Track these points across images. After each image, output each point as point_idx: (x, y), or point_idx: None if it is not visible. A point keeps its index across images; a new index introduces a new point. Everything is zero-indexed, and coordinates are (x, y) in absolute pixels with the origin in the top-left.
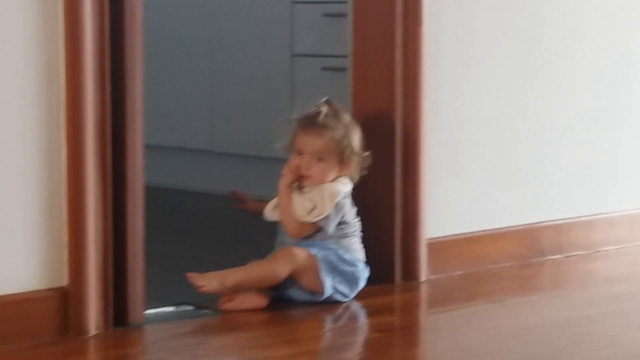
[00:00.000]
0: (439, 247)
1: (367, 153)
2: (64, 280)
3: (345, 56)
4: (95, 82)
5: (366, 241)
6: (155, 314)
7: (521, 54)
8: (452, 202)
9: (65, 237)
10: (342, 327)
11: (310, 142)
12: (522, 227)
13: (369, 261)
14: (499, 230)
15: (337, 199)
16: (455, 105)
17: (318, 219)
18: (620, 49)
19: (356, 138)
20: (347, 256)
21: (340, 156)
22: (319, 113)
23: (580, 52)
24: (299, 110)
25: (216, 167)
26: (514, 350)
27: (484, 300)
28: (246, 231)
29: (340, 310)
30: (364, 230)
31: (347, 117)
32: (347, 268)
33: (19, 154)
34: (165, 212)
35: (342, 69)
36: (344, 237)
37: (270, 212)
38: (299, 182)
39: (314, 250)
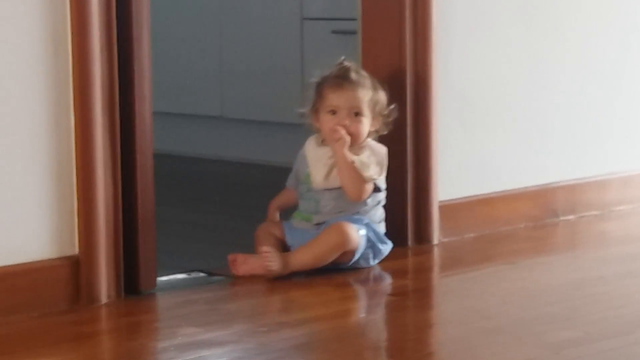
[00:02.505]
0: (451, 209)
1: (393, 106)
2: (74, 249)
3: (355, 19)
4: (102, 49)
5: None
6: (167, 281)
7: (532, 12)
8: (464, 164)
9: (75, 205)
10: (355, 291)
11: (346, 98)
12: (535, 188)
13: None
14: (511, 192)
15: (385, 161)
16: (466, 67)
17: (383, 174)
18: (633, 6)
19: (383, 92)
20: (382, 234)
21: (372, 110)
22: (348, 69)
23: (592, 10)
24: (318, 73)
25: (228, 133)
26: (527, 311)
27: (496, 262)
28: (258, 197)
29: (352, 274)
30: None
31: (368, 75)
32: (381, 246)
33: (27, 124)
34: (177, 179)
35: (352, 32)
36: (377, 205)
37: (323, 181)
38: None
39: (362, 231)
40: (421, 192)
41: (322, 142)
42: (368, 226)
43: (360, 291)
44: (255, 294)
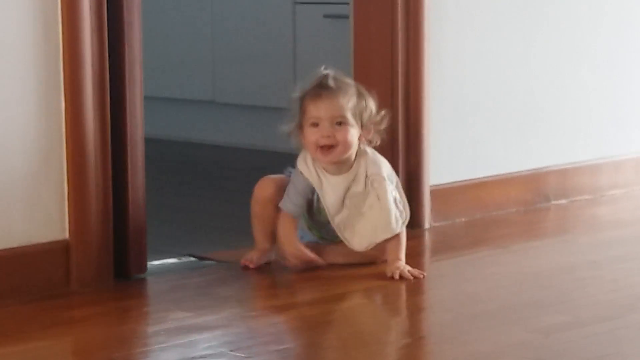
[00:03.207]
0: (443, 194)
1: (383, 112)
2: (65, 233)
3: (347, 3)
4: (93, 32)
5: None
6: (158, 266)
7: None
8: (456, 149)
9: (65, 190)
10: (346, 275)
11: (326, 107)
12: (527, 172)
13: None
14: (503, 176)
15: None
16: (458, 51)
17: (407, 218)
18: None
19: (371, 99)
20: None
21: (359, 118)
22: (326, 77)
23: None
24: (299, 87)
25: (220, 118)
26: (518, 295)
27: (488, 246)
28: (250, 182)
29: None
30: None
31: (352, 82)
32: None
33: (18, 107)
34: (169, 164)
35: (344, 16)
36: None
37: (341, 216)
38: (325, 157)
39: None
40: (413, 177)
41: (314, 163)
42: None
43: (352, 275)
44: (246, 279)
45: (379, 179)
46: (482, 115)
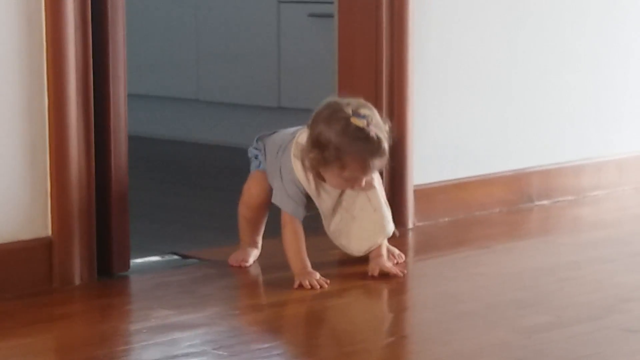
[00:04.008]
0: (426, 193)
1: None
2: (47, 231)
3: (331, 2)
4: (77, 30)
5: None
6: (141, 264)
7: None
8: (439, 149)
9: (48, 187)
10: (330, 274)
11: (372, 170)
12: (510, 172)
13: None
14: (486, 176)
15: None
16: (442, 51)
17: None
18: None
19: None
20: None
21: None
22: (380, 141)
23: None
24: (339, 123)
25: (204, 116)
26: (501, 296)
27: (471, 246)
28: (233, 180)
29: (327, 257)
30: None
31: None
32: None
33: (1, 105)
34: (153, 162)
35: (329, 15)
36: None
37: (336, 225)
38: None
39: None
40: (396, 176)
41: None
42: None
43: (334, 274)
44: (228, 277)
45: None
46: (465, 115)
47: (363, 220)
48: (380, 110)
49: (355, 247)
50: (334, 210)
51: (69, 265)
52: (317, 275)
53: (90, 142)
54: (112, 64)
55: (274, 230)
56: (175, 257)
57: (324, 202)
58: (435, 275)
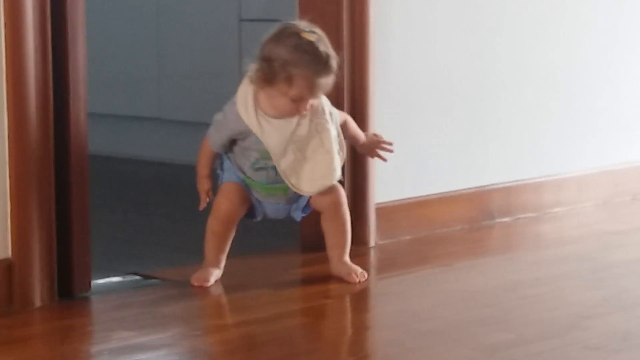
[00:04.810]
0: (388, 211)
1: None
2: (7, 252)
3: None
4: (37, 49)
5: None
6: (102, 285)
7: (470, 14)
8: (401, 166)
9: (8, 207)
10: (291, 293)
11: (319, 89)
12: (471, 189)
13: (317, 226)
14: (448, 194)
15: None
16: (403, 68)
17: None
18: (568, 7)
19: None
20: None
21: None
22: (329, 57)
23: (528, 11)
24: (286, 41)
25: (165, 135)
26: (462, 313)
27: (433, 264)
28: (195, 199)
29: (289, 276)
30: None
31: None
32: None
33: None
34: (114, 181)
35: None
36: None
37: (288, 163)
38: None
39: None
40: (358, 194)
41: (255, 107)
42: None
43: (296, 294)
44: (190, 297)
45: (322, 122)
46: (426, 132)
47: (315, 162)
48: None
49: (306, 187)
50: (285, 149)
51: (29, 287)
52: (208, 185)
53: (50, 162)
54: (72, 83)
55: (236, 249)
56: (137, 277)
57: (270, 137)
58: (397, 294)
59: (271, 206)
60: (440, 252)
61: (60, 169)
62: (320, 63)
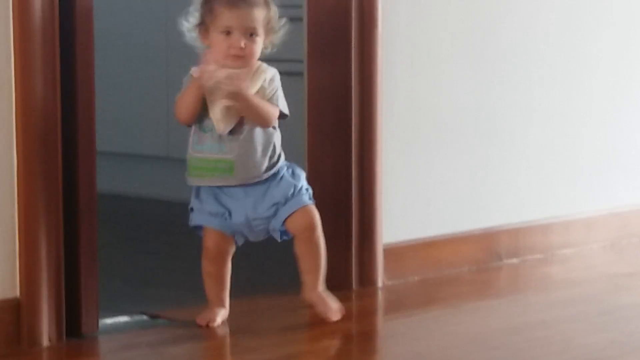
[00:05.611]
0: (396, 252)
1: (284, 21)
2: (15, 291)
3: (301, 61)
4: (46, 89)
5: None
6: (110, 324)
7: (475, 55)
8: (408, 207)
9: (16, 246)
10: (297, 334)
11: (242, 18)
12: (478, 231)
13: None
14: (455, 235)
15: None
16: (410, 109)
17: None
18: (575, 49)
19: (274, 7)
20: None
21: (265, 28)
22: None
23: (535, 53)
24: None
25: (174, 174)
26: (470, 355)
27: (441, 305)
28: (201, 239)
29: (296, 317)
30: None
31: None
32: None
33: None
34: (122, 220)
35: (299, 74)
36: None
37: (223, 124)
38: (235, 64)
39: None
40: (366, 235)
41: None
42: (292, 165)
43: (304, 335)
44: (197, 338)
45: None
46: (434, 173)
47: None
48: (349, 167)
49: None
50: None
51: (37, 326)
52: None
53: (58, 201)
54: (81, 122)
55: (243, 289)
56: (144, 317)
57: (215, 109)
58: (405, 335)
59: (243, 221)
60: (448, 293)
61: (68, 208)
62: None
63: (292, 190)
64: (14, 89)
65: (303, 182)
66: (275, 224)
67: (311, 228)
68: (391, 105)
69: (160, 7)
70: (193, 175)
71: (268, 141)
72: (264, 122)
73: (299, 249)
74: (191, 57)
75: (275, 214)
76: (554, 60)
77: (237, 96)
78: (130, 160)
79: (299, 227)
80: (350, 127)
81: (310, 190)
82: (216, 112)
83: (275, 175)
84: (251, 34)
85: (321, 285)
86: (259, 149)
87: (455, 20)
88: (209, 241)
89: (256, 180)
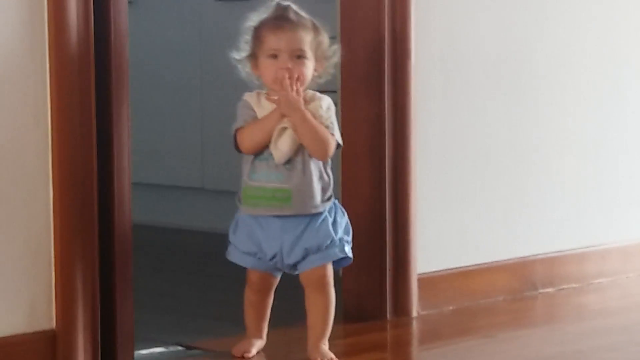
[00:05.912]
0: (430, 282)
1: (336, 47)
2: (51, 323)
3: (334, 91)
4: (82, 121)
5: (357, 277)
6: (145, 355)
7: (510, 84)
8: (443, 237)
9: (52, 278)
10: None
11: (288, 40)
12: (513, 260)
13: (360, 297)
14: (490, 264)
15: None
16: (444, 138)
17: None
18: (609, 79)
19: (325, 33)
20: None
21: (315, 52)
22: (286, 9)
23: (569, 83)
24: (254, 16)
25: (209, 205)
26: None
27: (475, 335)
28: (238, 269)
29: (331, 348)
30: (354, 265)
31: (308, 16)
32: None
33: (4, 194)
34: (157, 251)
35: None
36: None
37: (281, 152)
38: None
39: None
40: (400, 265)
41: (266, 97)
42: (337, 207)
43: None
44: None
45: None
46: (469, 202)
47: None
48: (383, 197)
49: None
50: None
51: (73, 358)
52: None
53: (94, 233)
54: (116, 154)
55: (280, 321)
56: (180, 348)
57: (266, 111)
58: None
59: (274, 257)
60: (482, 323)
61: (104, 239)
62: (278, 11)
63: (328, 242)
64: (50, 121)
65: (340, 233)
66: (301, 267)
67: (323, 282)
68: (425, 135)
69: (195, 40)
70: (248, 204)
71: (322, 172)
72: (322, 149)
73: (308, 301)
74: (225, 88)
75: (304, 258)
76: (590, 89)
77: (295, 109)
78: (165, 191)
79: (311, 279)
80: (385, 157)
81: (349, 237)
82: (277, 140)
83: (319, 215)
84: (299, 55)
85: (323, 342)
86: (315, 179)
87: (488, 51)
88: (252, 275)
89: (312, 211)
